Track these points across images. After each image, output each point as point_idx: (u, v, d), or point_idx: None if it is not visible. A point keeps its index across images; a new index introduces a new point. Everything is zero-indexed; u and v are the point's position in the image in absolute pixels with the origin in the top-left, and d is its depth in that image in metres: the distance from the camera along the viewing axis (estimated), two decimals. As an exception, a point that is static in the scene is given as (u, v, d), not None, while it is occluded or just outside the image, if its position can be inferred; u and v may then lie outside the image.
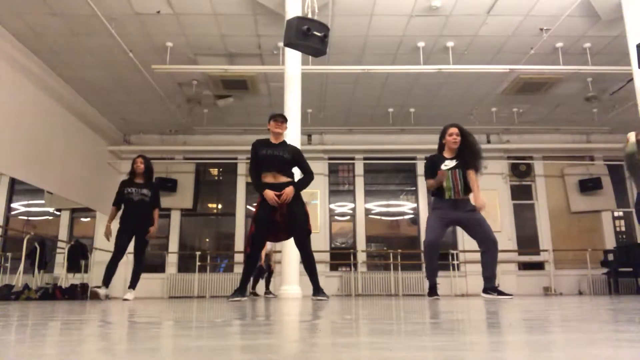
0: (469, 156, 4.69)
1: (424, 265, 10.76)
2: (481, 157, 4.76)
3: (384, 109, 10.27)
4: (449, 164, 4.71)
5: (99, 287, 5.70)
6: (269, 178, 4.40)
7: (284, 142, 4.63)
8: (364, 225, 11.30)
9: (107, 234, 5.75)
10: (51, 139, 8.59)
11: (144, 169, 5.86)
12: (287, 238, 4.75)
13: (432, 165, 4.78)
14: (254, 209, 4.52)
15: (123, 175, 8.66)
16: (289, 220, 4.40)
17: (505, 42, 7.80)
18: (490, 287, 4.63)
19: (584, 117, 10.56)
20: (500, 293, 4.61)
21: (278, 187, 4.35)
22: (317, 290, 4.44)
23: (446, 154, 4.79)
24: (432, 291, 4.84)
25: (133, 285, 5.77)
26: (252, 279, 8.60)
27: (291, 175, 4.52)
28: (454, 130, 4.74)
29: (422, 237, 10.95)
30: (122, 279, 10.21)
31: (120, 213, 5.81)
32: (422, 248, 4.94)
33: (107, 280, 5.60)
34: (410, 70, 8.15)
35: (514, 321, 1.71)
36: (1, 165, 7.64)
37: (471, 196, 4.74)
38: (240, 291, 4.40)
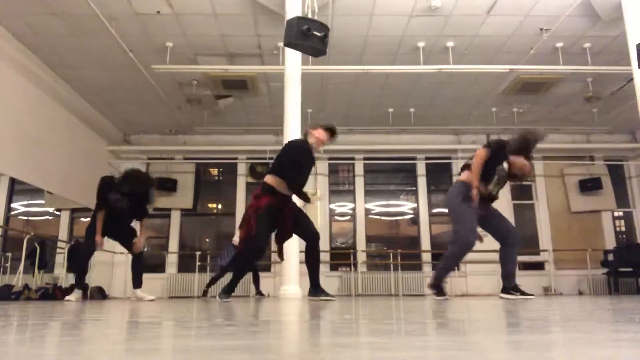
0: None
1: (434, 265, 10.83)
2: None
3: (384, 109, 10.26)
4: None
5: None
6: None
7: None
8: (364, 225, 11.29)
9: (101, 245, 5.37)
10: (51, 139, 8.58)
11: None
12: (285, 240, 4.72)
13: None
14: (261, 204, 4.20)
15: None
16: (297, 226, 4.31)
17: (505, 42, 7.80)
18: (511, 286, 4.27)
19: (584, 117, 10.55)
20: (523, 293, 4.27)
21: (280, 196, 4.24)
22: (318, 290, 4.33)
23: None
24: (440, 291, 4.49)
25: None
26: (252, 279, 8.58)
27: (279, 173, 4.23)
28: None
29: (423, 238, 11.07)
30: (123, 279, 10.24)
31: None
32: (455, 246, 4.34)
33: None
34: (410, 70, 8.15)
35: (514, 321, 1.71)
36: (1, 165, 7.63)
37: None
38: (227, 291, 4.31)
